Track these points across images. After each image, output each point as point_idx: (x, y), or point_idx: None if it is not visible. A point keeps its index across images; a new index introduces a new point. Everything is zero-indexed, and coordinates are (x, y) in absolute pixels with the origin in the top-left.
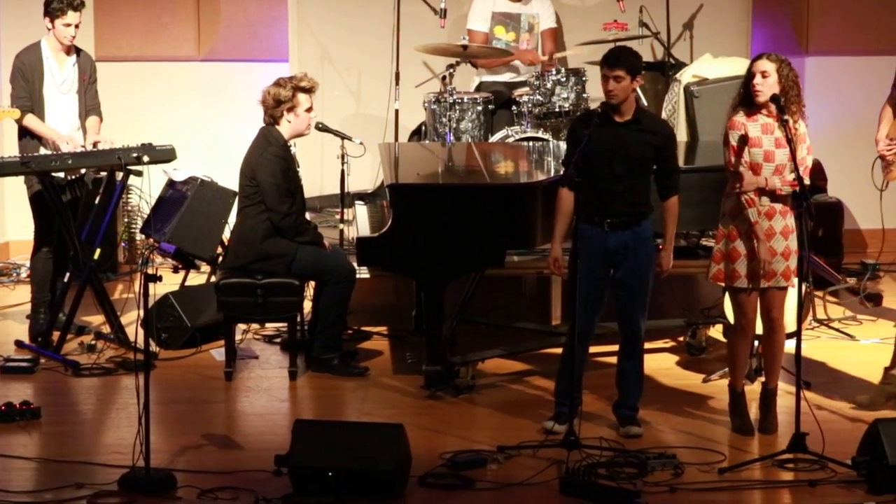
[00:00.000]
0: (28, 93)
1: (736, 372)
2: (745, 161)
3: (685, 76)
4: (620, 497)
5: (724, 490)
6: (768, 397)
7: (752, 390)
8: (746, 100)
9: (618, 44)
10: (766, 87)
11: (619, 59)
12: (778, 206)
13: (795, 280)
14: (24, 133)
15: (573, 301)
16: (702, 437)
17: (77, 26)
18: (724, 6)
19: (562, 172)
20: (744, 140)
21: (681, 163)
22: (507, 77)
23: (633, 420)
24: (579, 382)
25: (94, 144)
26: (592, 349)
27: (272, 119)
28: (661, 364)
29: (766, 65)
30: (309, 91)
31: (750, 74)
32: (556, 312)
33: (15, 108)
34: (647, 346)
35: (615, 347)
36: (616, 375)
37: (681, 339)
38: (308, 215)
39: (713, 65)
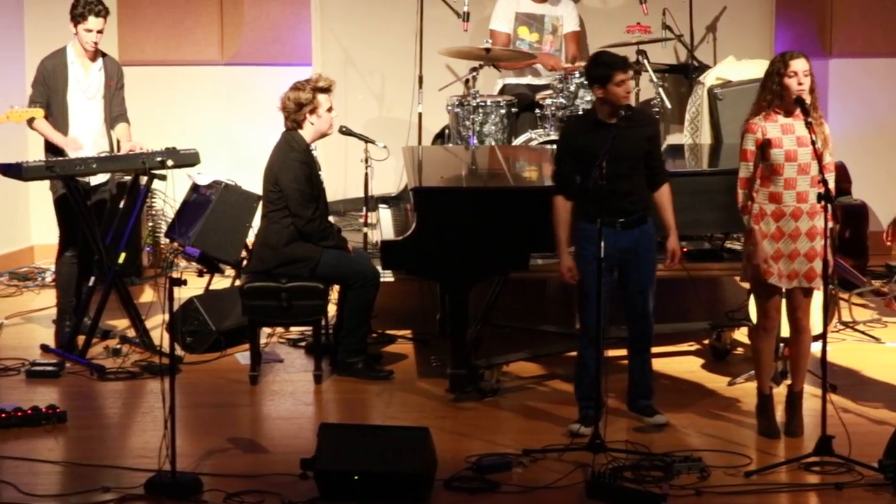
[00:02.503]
0: (45, 98)
1: (761, 374)
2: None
3: (709, 79)
4: (646, 500)
5: (751, 493)
6: (794, 400)
7: (780, 393)
8: (780, 99)
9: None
10: (807, 85)
11: (626, 62)
12: (805, 207)
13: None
14: (49, 147)
15: (582, 304)
16: (728, 440)
17: (100, 32)
18: (748, 8)
19: (553, 183)
20: (767, 144)
21: (704, 165)
22: (529, 79)
23: (655, 409)
24: (601, 385)
25: (130, 151)
26: (615, 353)
27: (295, 123)
28: (686, 367)
29: (806, 64)
30: (327, 91)
31: (784, 73)
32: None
33: (38, 108)
34: (672, 349)
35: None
36: (631, 372)
37: (706, 341)
38: (332, 219)
39: (737, 67)
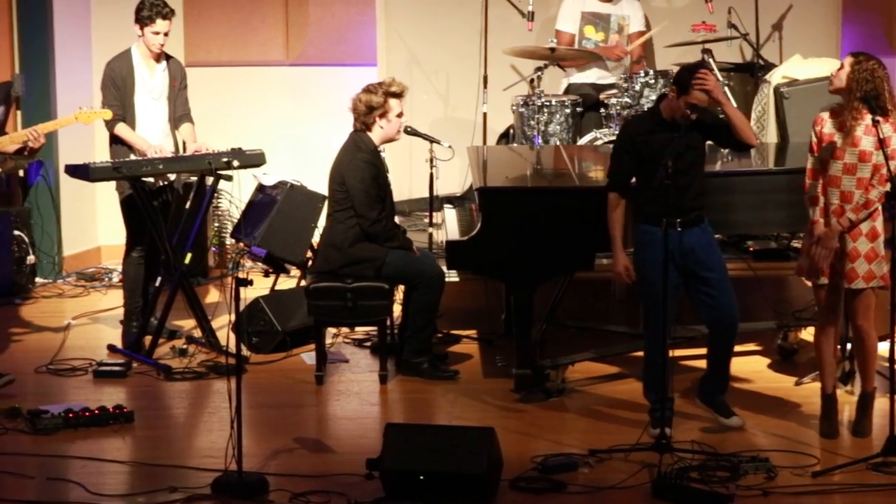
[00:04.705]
0: (119, 101)
1: (822, 372)
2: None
3: (775, 77)
4: (713, 501)
5: (818, 493)
6: (865, 401)
7: (846, 393)
8: (842, 98)
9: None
10: (836, 79)
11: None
12: (848, 207)
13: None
14: (116, 139)
15: (647, 305)
16: (794, 441)
17: (166, 34)
18: (814, 6)
19: (608, 181)
20: (819, 138)
21: (771, 164)
22: (594, 77)
23: (731, 410)
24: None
25: (196, 152)
26: (685, 352)
27: (364, 126)
28: (752, 367)
29: (846, 59)
30: (399, 96)
31: None
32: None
33: (106, 109)
34: (738, 349)
35: (697, 351)
36: (711, 366)
37: (772, 342)
38: (397, 219)
39: (803, 66)
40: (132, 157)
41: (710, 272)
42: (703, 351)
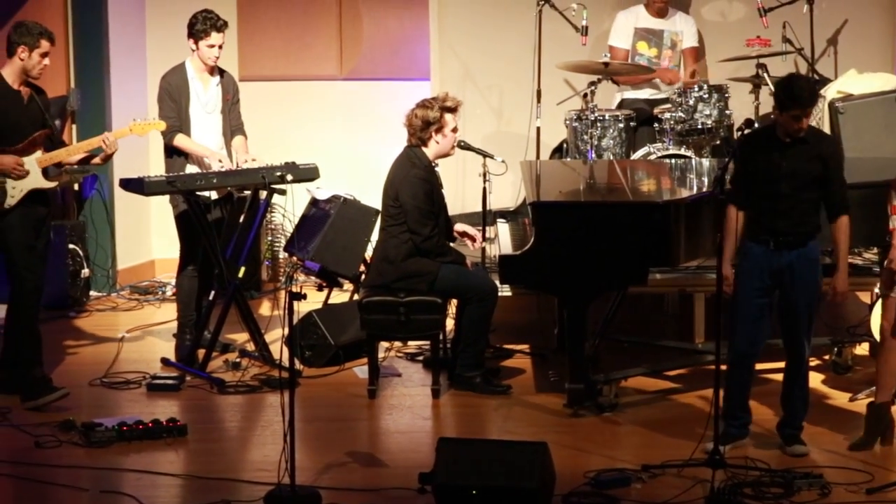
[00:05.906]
0: (177, 113)
1: (877, 384)
2: None
3: (830, 92)
4: None
5: None
6: None
7: None
8: None
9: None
10: None
11: (813, 98)
12: None
13: None
14: (172, 151)
15: (732, 317)
16: (849, 456)
17: (220, 47)
18: (869, 21)
19: (729, 189)
20: None
21: None
22: (647, 94)
23: (798, 439)
24: (745, 403)
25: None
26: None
27: (420, 141)
28: None
29: None
30: (454, 111)
31: None
32: (699, 330)
33: (160, 121)
34: None
35: (769, 365)
36: (782, 395)
37: (826, 357)
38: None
39: (858, 80)
40: (189, 168)
41: (792, 298)
42: (772, 364)
